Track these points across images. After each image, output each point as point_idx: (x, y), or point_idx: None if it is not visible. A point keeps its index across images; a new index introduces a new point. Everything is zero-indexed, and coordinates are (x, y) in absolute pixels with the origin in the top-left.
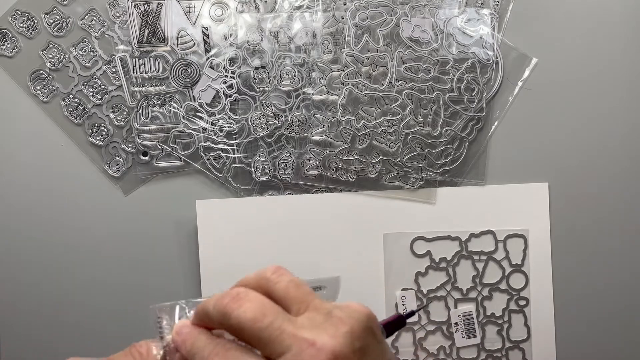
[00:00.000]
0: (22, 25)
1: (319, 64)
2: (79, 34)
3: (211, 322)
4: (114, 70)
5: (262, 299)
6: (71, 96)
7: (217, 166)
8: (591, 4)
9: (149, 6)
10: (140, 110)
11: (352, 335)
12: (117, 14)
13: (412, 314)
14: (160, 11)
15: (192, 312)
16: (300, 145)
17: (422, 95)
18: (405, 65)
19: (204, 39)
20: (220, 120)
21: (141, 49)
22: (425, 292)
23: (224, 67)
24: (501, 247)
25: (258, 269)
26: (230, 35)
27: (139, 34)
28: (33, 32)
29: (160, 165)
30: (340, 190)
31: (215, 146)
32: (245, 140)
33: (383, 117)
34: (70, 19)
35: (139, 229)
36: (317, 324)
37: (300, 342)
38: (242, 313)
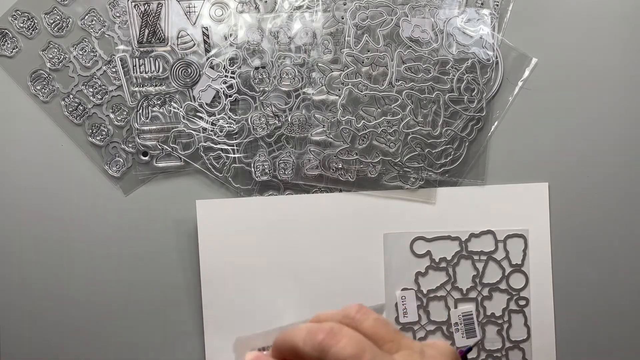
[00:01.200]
0: (22, 25)
1: (319, 64)
2: (79, 34)
3: (299, 358)
4: (114, 70)
5: (358, 336)
6: (71, 96)
7: (217, 166)
8: (591, 4)
9: (149, 6)
10: (140, 110)
11: None
12: (117, 14)
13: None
14: (160, 11)
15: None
16: (300, 145)
17: (422, 95)
18: (405, 65)
19: (204, 39)
20: (220, 120)
21: (141, 49)
22: (425, 292)
23: (224, 67)
24: (501, 247)
25: (342, 308)
26: (230, 35)
27: (139, 34)
28: (33, 32)
29: (160, 165)
30: (340, 190)
31: (215, 146)
32: (245, 140)
33: (383, 117)
34: (70, 19)
35: (139, 229)
36: None
37: None
38: (340, 349)
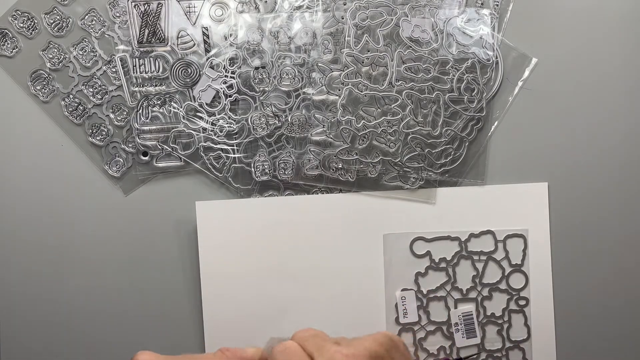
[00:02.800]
0: (22, 25)
1: (319, 64)
2: (79, 34)
3: None
4: (114, 70)
5: None
6: (71, 96)
7: (217, 166)
8: (591, 4)
9: (149, 6)
10: (140, 110)
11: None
12: (117, 14)
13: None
14: (160, 11)
15: None
16: (300, 145)
17: (422, 95)
18: (405, 65)
19: (204, 39)
20: (220, 120)
21: (141, 49)
22: (425, 292)
23: (224, 67)
24: (501, 247)
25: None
26: (230, 35)
27: (139, 34)
28: (33, 32)
29: (160, 165)
30: (340, 190)
31: (215, 146)
32: (245, 140)
33: (383, 117)
34: (70, 19)
35: (139, 229)
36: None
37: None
38: None
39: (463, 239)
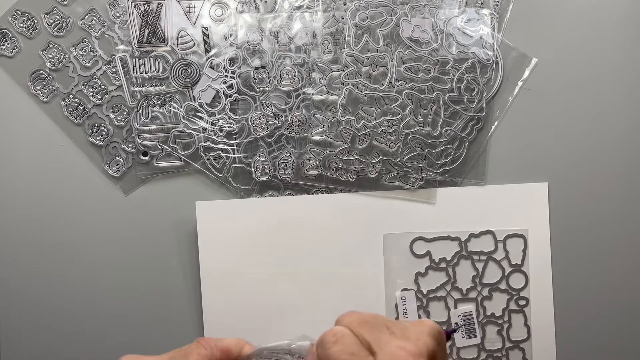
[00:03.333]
0: (22, 25)
1: (319, 64)
2: (79, 34)
3: None
4: (114, 70)
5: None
6: (71, 96)
7: (217, 166)
8: (591, 4)
9: (149, 6)
10: (140, 110)
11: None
12: (117, 14)
13: (454, 331)
14: (160, 11)
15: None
16: (300, 145)
17: (422, 95)
18: (405, 65)
19: (204, 39)
20: (220, 120)
21: (141, 49)
22: (425, 292)
23: (224, 67)
24: (501, 247)
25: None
26: (230, 35)
27: (139, 34)
28: (33, 32)
29: (160, 165)
30: (340, 191)
31: (215, 146)
32: (245, 140)
33: (383, 117)
34: (70, 19)
35: (139, 229)
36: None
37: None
38: None
39: (463, 239)
